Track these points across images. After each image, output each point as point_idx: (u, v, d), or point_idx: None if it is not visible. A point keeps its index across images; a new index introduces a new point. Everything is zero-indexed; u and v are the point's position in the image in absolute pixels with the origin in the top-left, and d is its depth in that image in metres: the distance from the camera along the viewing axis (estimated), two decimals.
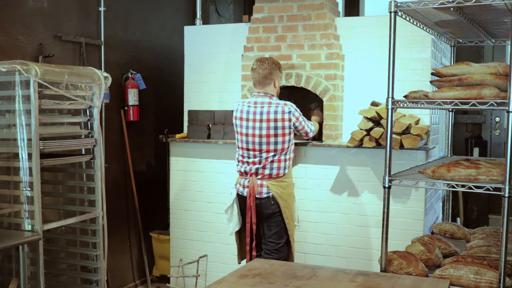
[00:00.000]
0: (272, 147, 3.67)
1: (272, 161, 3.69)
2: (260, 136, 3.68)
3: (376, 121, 3.87)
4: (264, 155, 3.68)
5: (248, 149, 3.73)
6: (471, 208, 6.14)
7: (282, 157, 3.70)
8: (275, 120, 3.65)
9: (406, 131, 3.78)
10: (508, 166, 2.43)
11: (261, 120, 3.67)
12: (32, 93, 3.07)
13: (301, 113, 3.78)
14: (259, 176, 3.71)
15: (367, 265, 3.90)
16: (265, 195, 3.69)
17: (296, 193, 3.95)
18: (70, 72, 3.32)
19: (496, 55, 6.43)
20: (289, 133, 3.70)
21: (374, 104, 3.98)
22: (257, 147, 3.70)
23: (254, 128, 3.69)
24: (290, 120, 3.66)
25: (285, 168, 3.72)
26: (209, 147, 4.54)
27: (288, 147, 3.72)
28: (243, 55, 4.44)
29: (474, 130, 6.65)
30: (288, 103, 3.71)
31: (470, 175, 2.58)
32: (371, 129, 3.88)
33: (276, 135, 3.66)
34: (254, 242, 3.76)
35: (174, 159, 4.73)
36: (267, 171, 3.69)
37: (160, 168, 5.21)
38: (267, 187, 3.68)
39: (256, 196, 3.69)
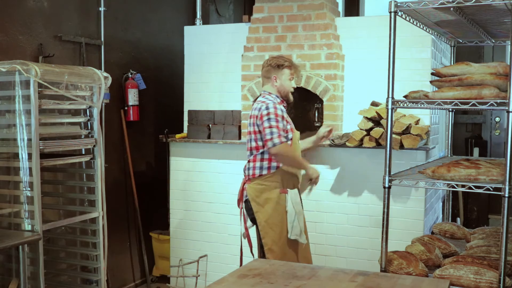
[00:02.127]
0: (249, 144, 3.58)
1: (249, 161, 3.58)
2: (246, 133, 3.64)
3: (376, 121, 3.87)
4: (247, 153, 3.60)
5: None
6: (471, 208, 6.13)
7: (259, 156, 3.52)
8: (251, 117, 3.57)
9: (406, 131, 3.78)
10: (508, 166, 2.42)
11: (248, 117, 3.65)
12: (32, 93, 3.07)
13: (277, 119, 3.44)
14: (245, 178, 3.62)
15: (367, 265, 3.89)
16: (245, 199, 3.58)
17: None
18: (70, 72, 3.32)
19: (496, 55, 6.44)
20: (259, 131, 3.51)
21: (374, 104, 3.98)
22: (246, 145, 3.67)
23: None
24: (256, 117, 3.50)
25: (261, 168, 3.52)
26: (209, 147, 4.54)
27: (264, 146, 3.50)
28: (243, 55, 4.44)
29: (474, 130, 6.65)
30: (268, 100, 3.53)
31: (470, 175, 2.57)
32: (371, 129, 3.88)
33: (250, 132, 3.56)
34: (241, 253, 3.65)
35: (174, 159, 4.73)
36: (246, 172, 3.60)
37: (160, 168, 5.21)
38: (246, 190, 3.57)
39: (243, 199, 3.62)
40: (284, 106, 3.67)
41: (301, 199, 3.64)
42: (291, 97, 3.71)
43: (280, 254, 3.49)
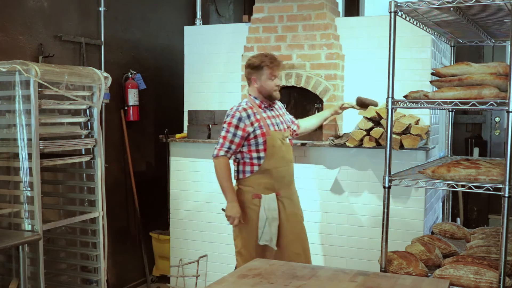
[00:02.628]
0: None
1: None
2: None
3: (376, 121, 3.87)
4: None
5: None
6: (471, 208, 6.13)
7: (237, 160, 3.53)
8: None
9: (406, 131, 3.78)
10: (508, 166, 2.42)
11: None
12: (32, 93, 3.07)
13: (228, 129, 3.42)
14: None
15: (367, 265, 3.89)
16: None
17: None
18: (70, 72, 3.32)
19: (496, 55, 6.43)
20: None
21: (359, 100, 3.94)
22: None
23: None
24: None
25: (238, 172, 3.53)
26: (209, 147, 4.53)
27: (235, 151, 3.48)
28: (243, 55, 4.44)
29: (474, 130, 6.65)
30: (236, 106, 3.51)
31: (470, 175, 2.57)
32: (371, 129, 3.88)
33: None
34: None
35: (174, 159, 4.73)
36: None
37: (160, 168, 5.21)
38: None
39: None
40: (265, 106, 3.55)
41: (280, 206, 3.50)
42: (276, 95, 3.55)
43: (249, 259, 3.36)
